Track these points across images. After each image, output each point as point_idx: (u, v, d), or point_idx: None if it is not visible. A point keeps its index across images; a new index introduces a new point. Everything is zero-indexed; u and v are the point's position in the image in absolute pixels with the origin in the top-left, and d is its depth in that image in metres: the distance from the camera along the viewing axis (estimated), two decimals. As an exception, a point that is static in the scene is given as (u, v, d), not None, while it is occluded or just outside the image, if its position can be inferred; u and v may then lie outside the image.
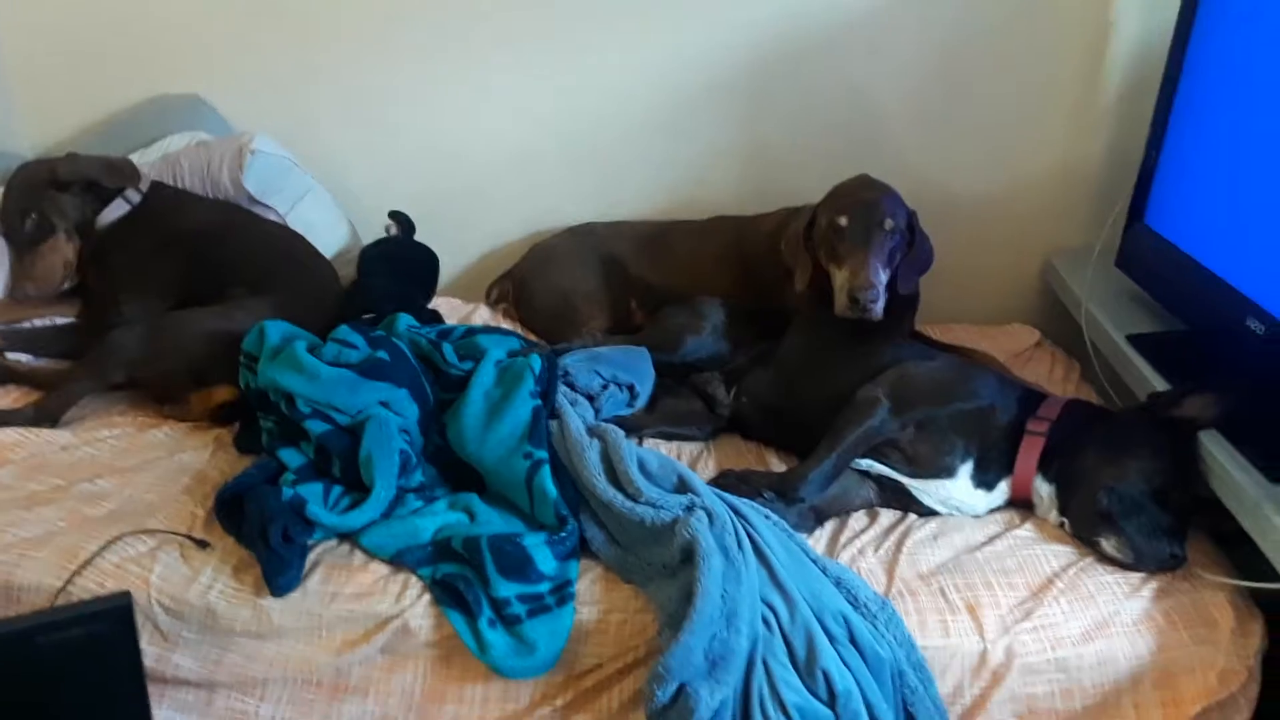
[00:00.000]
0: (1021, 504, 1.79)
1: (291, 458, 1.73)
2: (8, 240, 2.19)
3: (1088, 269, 2.23)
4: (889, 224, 1.95)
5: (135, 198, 2.20)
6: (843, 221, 1.95)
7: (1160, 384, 1.84)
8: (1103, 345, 2.12)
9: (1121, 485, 1.64)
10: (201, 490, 1.75)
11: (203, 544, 1.62)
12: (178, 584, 1.57)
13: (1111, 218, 2.25)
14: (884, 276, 1.93)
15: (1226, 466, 1.60)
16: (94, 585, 1.56)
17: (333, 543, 1.65)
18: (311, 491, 1.65)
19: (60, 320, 2.21)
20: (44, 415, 1.92)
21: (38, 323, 2.19)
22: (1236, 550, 1.67)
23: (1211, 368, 1.81)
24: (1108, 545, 1.63)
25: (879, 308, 1.91)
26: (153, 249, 2.16)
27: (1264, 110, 1.73)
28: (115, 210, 2.18)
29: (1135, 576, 1.61)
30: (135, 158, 2.32)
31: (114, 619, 1.14)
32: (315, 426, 1.71)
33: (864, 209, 1.96)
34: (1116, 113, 2.39)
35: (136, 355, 1.97)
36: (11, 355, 2.10)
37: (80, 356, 2.02)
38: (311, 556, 1.61)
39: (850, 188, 2.03)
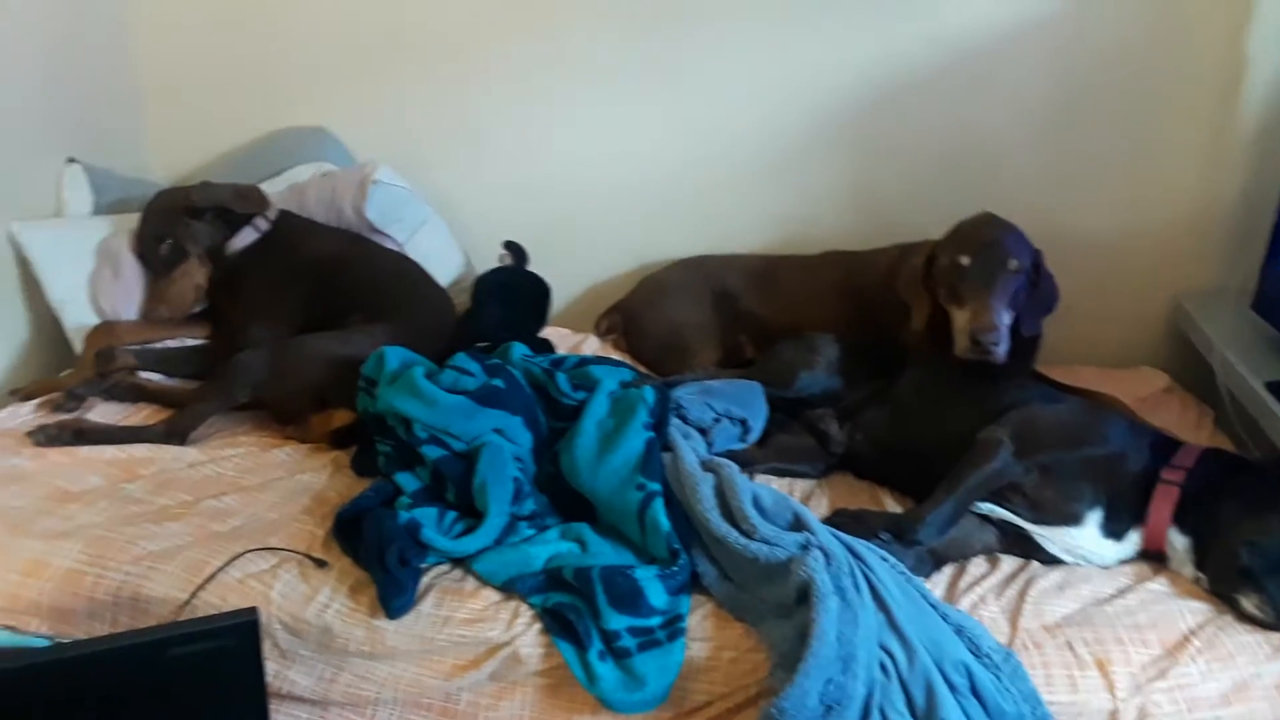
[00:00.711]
0: (1153, 556, 1.71)
1: (407, 482, 1.76)
2: (144, 264, 2.28)
3: (1221, 311, 2.14)
4: (1014, 264, 1.90)
5: (264, 225, 2.28)
6: (965, 261, 1.91)
7: (1305, 434, 1.75)
8: (1239, 392, 2.02)
9: (1264, 540, 1.56)
10: (320, 510, 1.78)
11: (321, 563, 1.65)
12: (296, 602, 1.60)
13: (1248, 258, 2.15)
14: (1007, 318, 1.88)
15: (1382, 524, 1.51)
16: (216, 600, 1.60)
17: (445, 567, 1.67)
18: (426, 516, 1.67)
19: (190, 342, 2.30)
20: (174, 433, 1.99)
21: (169, 344, 2.28)
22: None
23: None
24: (1248, 603, 1.55)
25: (1002, 350, 1.85)
26: (279, 275, 2.24)
27: None
28: (245, 237, 2.27)
29: (1277, 637, 1.52)
30: (264, 186, 2.41)
31: (242, 634, 1.17)
32: (431, 452, 1.73)
33: (987, 248, 1.91)
34: (1253, 149, 2.30)
35: (261, 377, 2.03)
36: (144, 374, 2.19)
37: (208, 377, 2.09)
38: (425, 580, 1.63)
39: (973, 226, 1.98)
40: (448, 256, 2.53)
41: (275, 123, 2.62)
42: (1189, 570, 1.65)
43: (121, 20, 2.56)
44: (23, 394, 2.12)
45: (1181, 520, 1.66)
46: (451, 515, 1.71)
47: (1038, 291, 1.96)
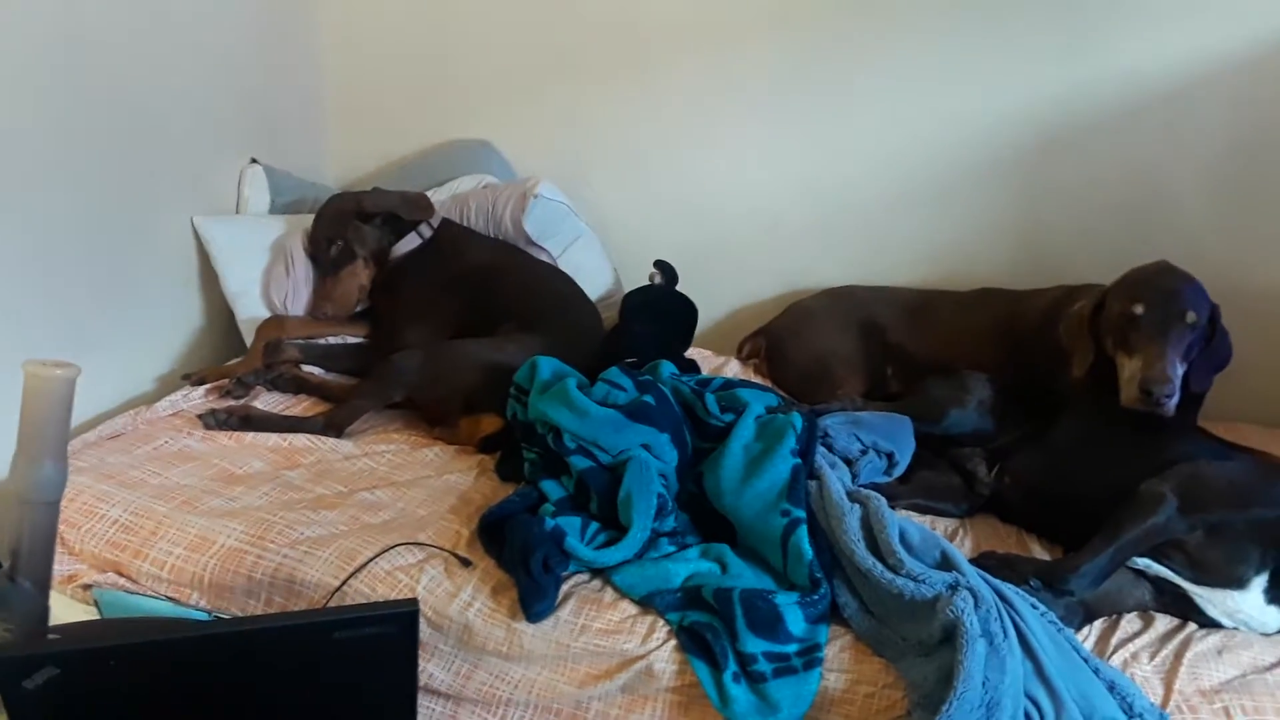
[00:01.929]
0: (1324, 629, 1.62)
1: (552, 490, 1.79)
2: (314, 263, 2.40)
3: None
4: (1191, 317, 1.83)
5: (427, 232, 2.37)
6: (1139, 310, 1.84)
7: None
8: None
9: None
10: (466, 511, 1.84)
11: (466, 562, 1.69)
12: (441, 597, 1.64)
13: None
14: (1180, 371, 1.81)
15: None
16: (365, 589, 1.66)
17: (585, 577, 1.69)
18: (570, 524, 1.70)
19: (351, 339, 2.40)
20: (331, 425, 2.08)
21: (332, 340, 2.38)
22: None
23: None
24: None
25: (1173, 404, 1.78)
26: (437, 280, 2.32)
27: None
28: (409, 242, 2.36)
29: None
30: (429, 195, 2.50)
31: (402, 623, 1.21)
32: (579, 462, 1.77)
33: (1164, 298, 1.84)
34: None
35: (415, 378, 2.10)
36: (307, 368, 2.30)
37: (366, 375, 2.18)
38: (565, 588, 1.66)
39: (1148, 274, 1.91)
40: (598, 272, 2.59)
41: (443, 135, 2.73)
42: (1365, 647, 1.55)
43: (314, 33, 2.71)
44: (195, 379, 2.24)
45: (1354, 591, 1.57)
46: (594, 526, 1.73)
47: (1211, 347, 1.88)
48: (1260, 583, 1.62)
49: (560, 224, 2.51)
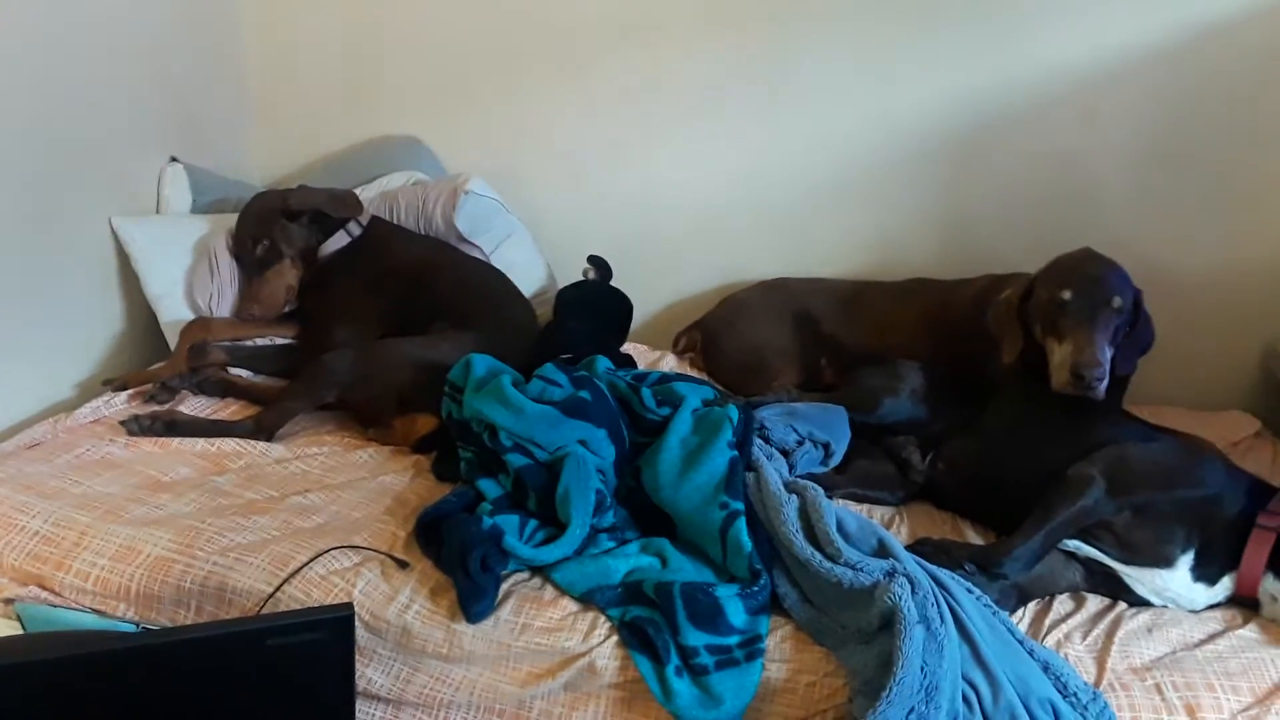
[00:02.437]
0: (1245, 603, 1.66)
1: (489, 488, 1.77)
2: (239, 264, 2.35)
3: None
4: (1117, 302, 1.88)
5: (356, 230, 2.33)
6: (1066, 296, 1.88)
7: None
8: (1336, 440, 1.97)
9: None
10: (402, 512, 1.81)
11: (403, 564, 1.67)
12: (378, 600, 1.61)
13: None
14: (1109, 354, 1.85)
15: None
16: (300, 594, 1.62)
17: (525, 575, 1.68)
18: (508, 523, 1.68)
19: (280, 340, 2.35)
20: (261, 429, 2.03)
21: (260, 342, 2.33)
22: None
23: None
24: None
25: (1103, 387, 1.83)
26: (368, 279, 2.28)
27: None
28: (337, 241, 2.32)
29: (1378, 693, 1.47)
30: (358, 192, 2.46)
31: (337, 628, 1.19)
32: (515, 460, 1.75)
33: (1090, 284, 1.89)
34: (1355, 192, 2.24)
35: (348, 378, 2.06)
36: (234, 371, 2.24)
37: (296, 376, 2.13)
38: (504, 587, 1.64)
39: (1074, 261, 1.95)
40: (532, 268, 2.57)
41: (372, 131, 2.69)
42: (1285, 618, 1.60)
43: (234, 27, 2.65)
44: (116, 384, 2.17)
45: (1277, 567, 1.62)
46: (533, 524, 1.72)
47: (1135, 331, 1.93)
48: (1186, 561, 1.67)
49: (492, 220, 2.49)
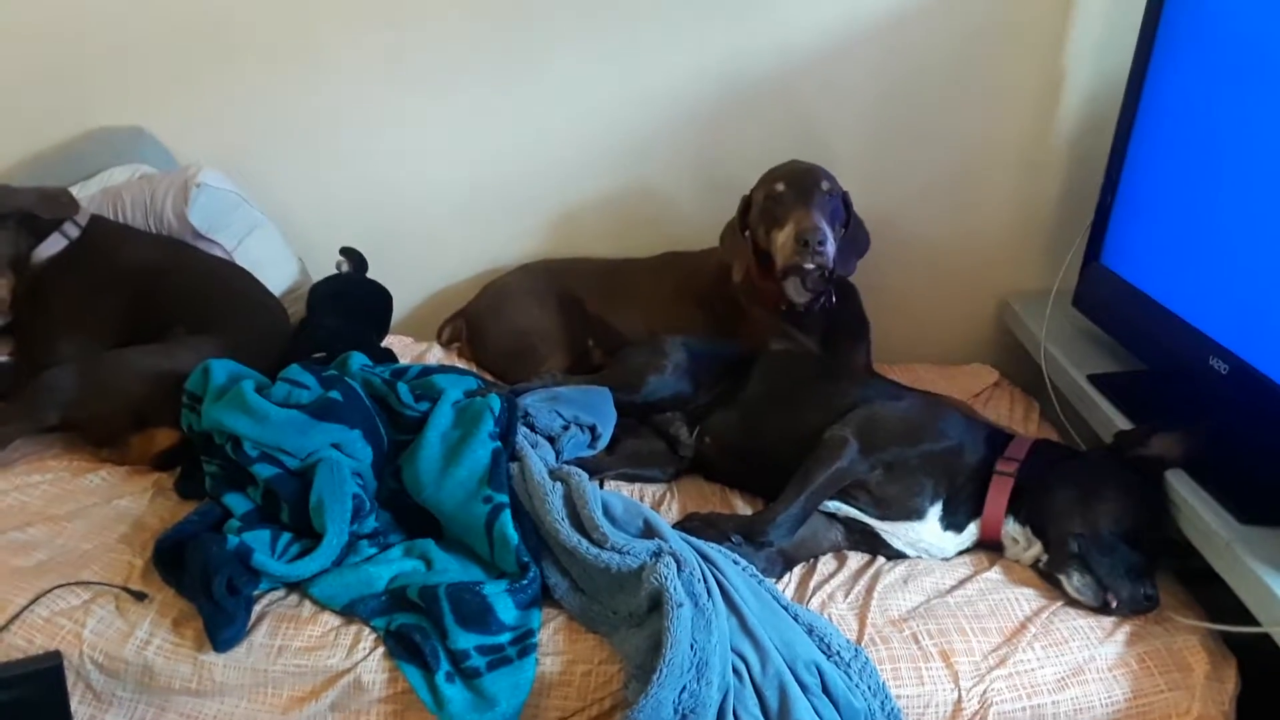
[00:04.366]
0: (990, 546, 1.76)
1: (237, 503, 1.65)
2: (-63, 276, 2.08)
3: (1045, 309, 2.23)
4: (827, 185, 2.04)
5: (73, 232, 2.11)
6: (780, 188, 2.05)
7: (1123, 424, 1.83)
8: (1063, 385, 2.11)
9: (1092, 527, 1.62)
10: (140, 538, 1.66)
11: (140, 596, 1.53)
12: (113, 639, 1.48)
13: (1068, 259, 2.26)
14: (830, 233, 1.98)
15: (1195, 507, 1.59)
16: (22, 642, 1.47)
17: (280, 593, 1.57)
18: (258, 539, 1.57)
19: (-8, 360, 2.11)
20: (-29, 460, 1.81)
21: (-30, 363, 2.08)
22: (1205, 591, 1.66)
23: (1175, 407, 1.81)
24: (1080, 588, 1.61)
25: (829, 250, 1.96)
26: (91, 285, 2.07)
27: (1219, 150, 1.75)
28: (52, 245, 2.09)
29: (1108, 621, 1.58)
30: (75, 190, 2.23)
31: (43, 681, 1.06)
32: (263, 470, 1.63)
33: (800, 174, 2.06)
34: (1071, 155, 2.41)
35: (72, 396, 1.87)
36: (-62, 396, 1.99)
37: (11, 398, 1.92)
38: (257, 609, 1.53)
39: (782, 165, 2.12)
40: (281, 264, 2.40)
41: (87, 123, 2.43)
42: (1027, 557, 1.71)
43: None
44: None
45: (1015, 510, 1.72)
46: (286, 537, 1.61)
47: (850, 232, 2.09)
48: (936, 512, 1.74)
49: (231, 214, 2.31)
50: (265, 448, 1.64)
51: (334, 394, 1.71)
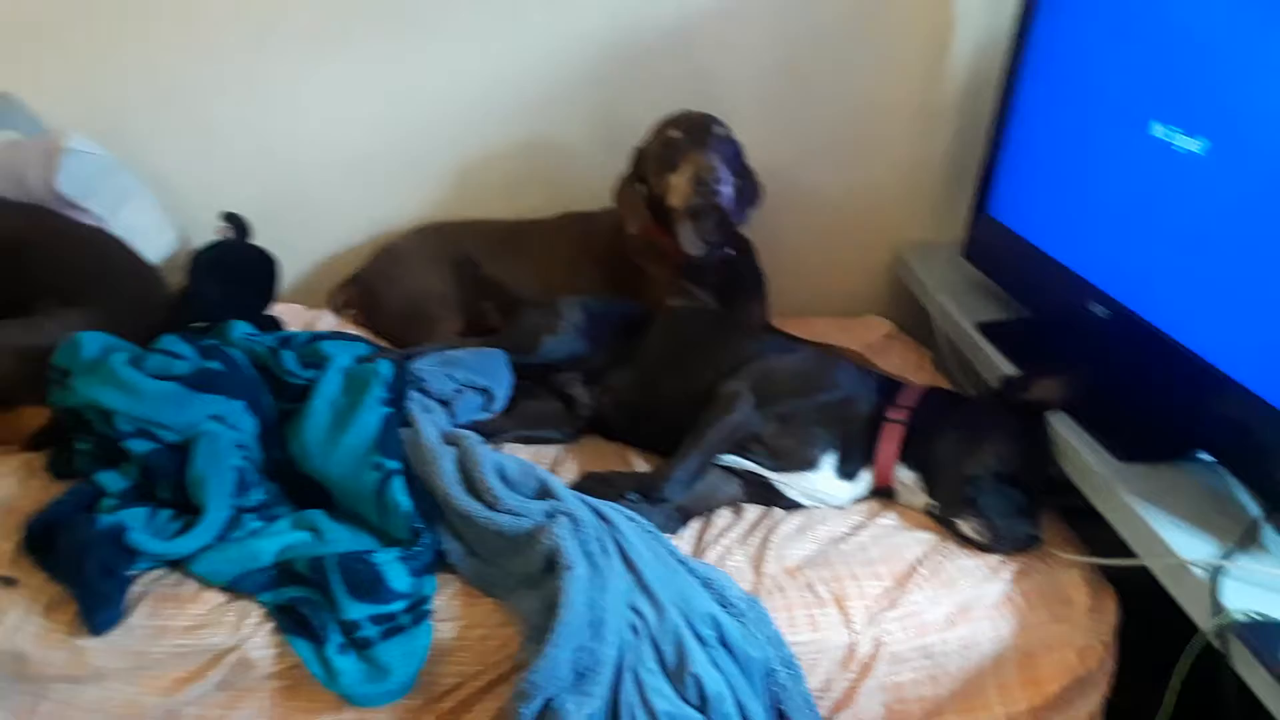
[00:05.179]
0: (884, 493, 1.79)
1: (112, 481, 1.58)
2: None
3: (936, 260, 2.27)
4: (719, 130, 2.04)
5: (-74, 202, 1.99)
6: (674, 134, 2.04)
7: (1009, 370, 1.87)
8: (953, 334, 2.15)
9: (979, 470, 1.66)
10: (10, 522, 1.57)
11: (9, 581, 1.46)
12: (-18, 628, 1.41)
13: (956, 210, 2.29)
14: (726, 173, 1.97)
15: (1076, 447, 1.64)
16: (-121, 640, 1.39)
17: (160, 572, 1.52)
18: (134, 517, 1.51)
19: None
20: None
21: None
22: (1086, 527, 1.71)
23: (1058, 352, 1.86)
24: (969, 529, 1.65)
25: (726, 190, 1.95)
26: (-52, 259, 1.96)
27: (1095, 101, 1.78)
28: (-97, 217, 1.97)
29: (994, 559, 1.63)
30: (-72, 159, 2.10)
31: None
32: (138, 446, 1.57)
33: (694, 120, 2.05)
34: (961, 109, 2.44)
35: (-75, 378, 1.77)
36: None
37: None
38: (136, 589, 1.48)
39: (674, 114, 2.10)
40: (158, 233, 2.30)
41: (-60, 86, 2.29)
42: (919, 501, 1.74)
43: None
44: None
45: (907, 456, 1.74)
46: (165, 514, 1.55)
47: (741, 185, 2.08)
48: (830, 461, 1.76)
49: (104, 181, 2.20)
50: (140, 422, 1.58)
51: (213, 364, 1.65)
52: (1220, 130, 1.48)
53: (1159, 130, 1.60)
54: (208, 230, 2.26)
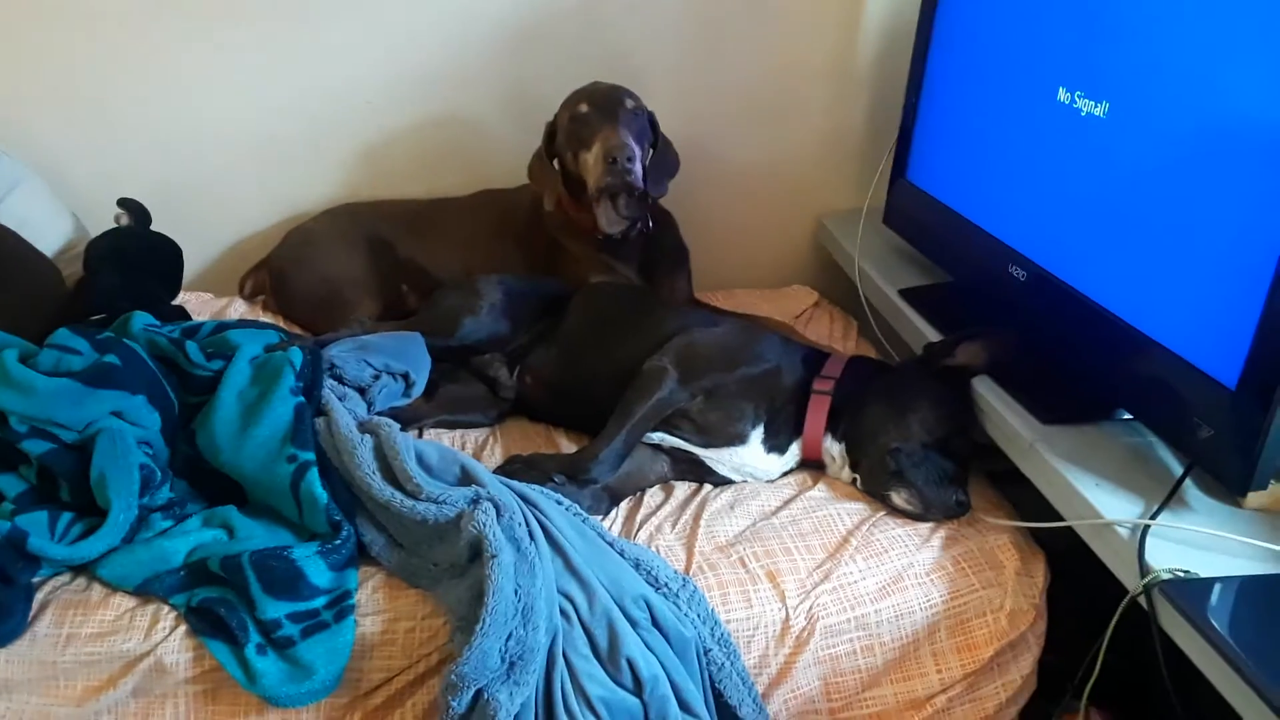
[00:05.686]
0: (813, 465, 1.78)
1: (9, 485, 1.49)
2: None
3: (858, 228, 2.26)
4: (631, 103, 2.01)
5: None
6: (584, 108, 2.00)
7: (933, 336, 1.87)
8: (877, 301, 2.15)
9: (906, 438, 1.66)
10: (-100, 534, 1.49)
11: (-100, 596, 1.37)
12: None
13: (876, 177, 2.28)
14: (638, 150, 1.95)
15: (1000, 411, 1.64)
16: None
17: (65, 578, 1.45)
18: (34, 522, 1.43)
19: None
20: None
21: None
22: (1013, 490, 1.72)
23: (980, 316, 1.86)
24: (898, 498, 1.64)
25: (638, 169, 1.94)
26: None
27: (1006, 67, 1.78)
28: None
29: (925, 527, 1.63)
30: None
31: None
32: (35, 447, 1.48)
33: (603, 93, 2.02)
34: (877, 74, 2.43)
35: None
36: None
37: None
38: (40, 596, 1.41)
39: (583, 87, 2.07)
40: (51, 222, 2.19)
41: None
42: (846, 474, 1.73)
43: None
44: None
45: (834, 427, 1.74)
46: (67, 517, 1.47)
47: (659, 154, 2.07)
48: (758, 435, 1.75)
49: (-11, 169, 2.09)
50: (35, 422, 1.49)
51: (110, 358, 1.56)
52: (1120, 93, 1.49)
53: (1064, 95, 1.61)
54: (106, 219, 2.15)
